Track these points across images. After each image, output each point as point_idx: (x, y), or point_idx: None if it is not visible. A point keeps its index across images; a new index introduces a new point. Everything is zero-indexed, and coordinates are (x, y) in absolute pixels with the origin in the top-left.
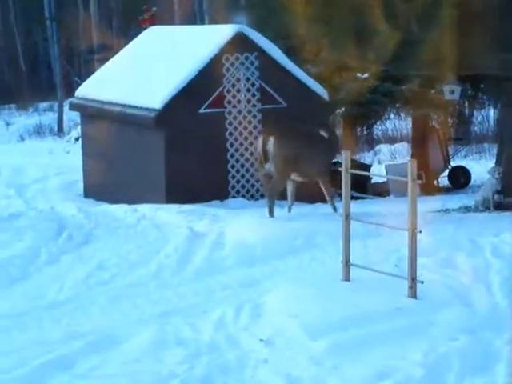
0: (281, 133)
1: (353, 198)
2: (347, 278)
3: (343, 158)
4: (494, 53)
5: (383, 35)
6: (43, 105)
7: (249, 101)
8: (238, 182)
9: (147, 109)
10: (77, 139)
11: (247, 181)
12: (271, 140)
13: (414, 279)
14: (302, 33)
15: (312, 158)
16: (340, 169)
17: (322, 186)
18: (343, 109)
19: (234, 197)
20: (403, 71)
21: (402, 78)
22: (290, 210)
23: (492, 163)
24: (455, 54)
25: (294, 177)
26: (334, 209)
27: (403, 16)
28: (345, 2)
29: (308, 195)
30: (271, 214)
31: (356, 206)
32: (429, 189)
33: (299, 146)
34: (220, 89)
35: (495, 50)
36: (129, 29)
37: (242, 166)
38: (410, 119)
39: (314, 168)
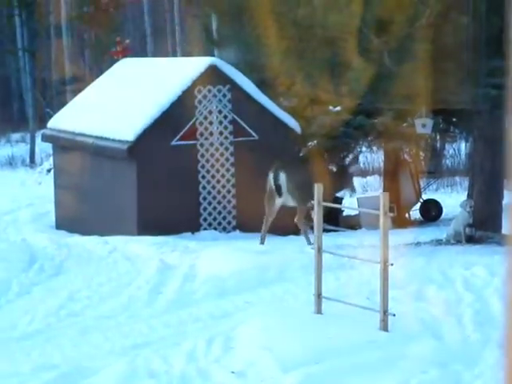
0: (289, 165)
1: (325, 230)
2: (319, 310)
3: (315, 191)
4: (465, 87)
5: (356, 69)
6: (15, 136)
7: (221, 133)
8: (209, 214)
9: (120, 141)
10: (49, 170)
11: (219, 213)
12: (282, 174)
13: (385, 312)
14: (275, 66)
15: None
16: (312, 202)
17: None
18: (315, 142)
19: (205, 229)
20: (376, 105)
21: (375, 111)
22: (263, 242)
23: (463, 196)
24: (428, 88)
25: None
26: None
27: (376, 50)
28: (318, 35)
29: (280, 227)
30: (309, 242)
31: (328, 239)
32: (400, 222)
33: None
34: (192, 121)
35: (467, 84)
36: (101, 60)
37: (214, 198)
38: (381, 152)
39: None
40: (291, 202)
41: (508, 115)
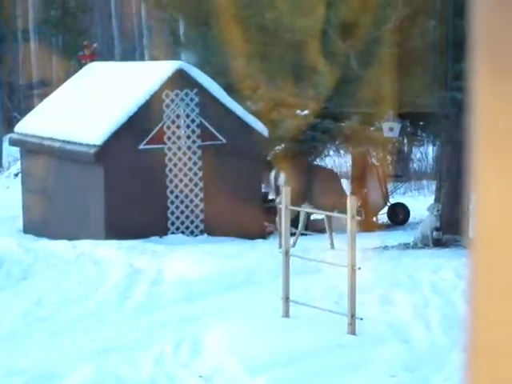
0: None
1: (293, 234)
2: (287, 314)
3: (282, 194)
4: (432, 91)
5: (322, 72)
6: None
7: (188, 137)
8: (177, 218)
9: (87, 145)
10: (16, 174)
11: (187, 217)
12: (282, 175)
13: (353, 316)
14: (242, 70)
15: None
16: (280, 206)
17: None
18: (283, 145)
19: (173, 233)
20: (343, 108)
21: (342, 115)
22: (294, 245)
23: (431, 200)
24: (395, 91)
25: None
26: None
27: (343, 53)
28: (284, 39)
29: (248, 231)
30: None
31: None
32: (368, 225)
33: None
34: (160, 125)
35: (434, 88)
36: (69, 64)
37: (182, 202)
38: (349, 156)
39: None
40: None
41: (469, 118)
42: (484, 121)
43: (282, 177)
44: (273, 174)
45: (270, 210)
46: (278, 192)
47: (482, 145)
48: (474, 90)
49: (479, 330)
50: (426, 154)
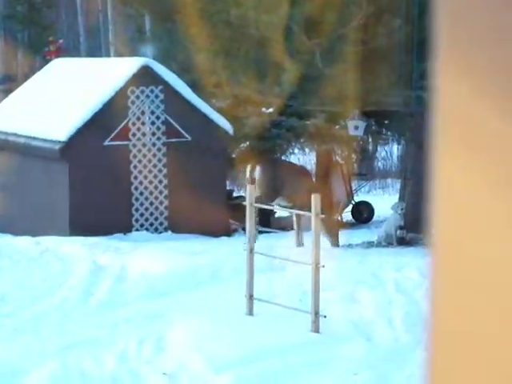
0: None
1: (260, 232)
2: (251, 312)
3: (247, 191)
4: (398, 90)
5: (288, 70)
6: None
7: (153, 134)
8: (141, 215)
9: (52, 141)
10: None
11: (151, 214)
12: (258, 170)
13: (317, 313)
14: (207, 66)
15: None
16: (244, 203)
17: None
18: (247, 143)
19: (137, 230)
20: (308, 106)
21: (307, 113)
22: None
23: (395, 199)
24: (360, 89)
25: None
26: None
27: (308, 51)
28: (250, 36)
29: (213, 229)
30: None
31: (260, 240)
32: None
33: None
34: (125, 122)
35: (399, 87)
36: (34, 60)
37: (146, 199)
38: (314, 154)
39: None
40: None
41: (431, 116)
42: (446, 112)
43: (258, 172)
44: (248, 169)
45: (235, 208)
46: (253, 184)
47: (444, 137)
48: (437, 80)
49: (439, 328)
50: (390, 152)
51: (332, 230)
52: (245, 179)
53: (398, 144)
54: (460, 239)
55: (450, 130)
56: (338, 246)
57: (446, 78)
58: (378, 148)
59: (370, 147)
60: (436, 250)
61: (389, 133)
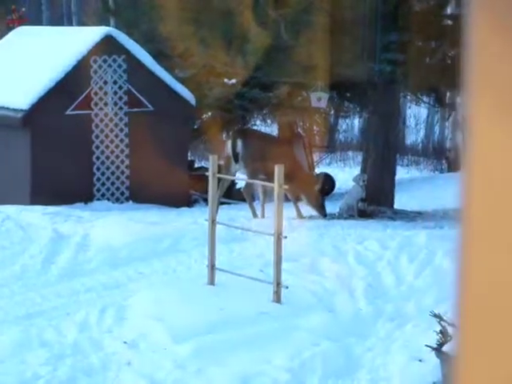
0: (246, 134)
1: (222, 203)
2: (212, 282)
3: (210, 162)
4: (361, 62)
5: (252, 41)
6: None
7: (116, 104)
8: (103, 184)
9: (14, 109)
10: None
11: (112, 183)
12: (239, 141)
13: (278, 284)
14: (171, 37)
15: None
16: (207, 173)
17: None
18: (210, 114)
19: (98, 199)
20: (272, 78)
21: (270, 84)
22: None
23: (356, 171)
24: (323, 61)
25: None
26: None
27: (273, 22)
28: (214, 6)
29: (171, 199)
30: (255, 215)
31: (221, 211)
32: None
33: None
34: (87, 91)
35: (363, 59)
36: None
37: (108, 168)
38: (276, 126)
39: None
40: (243, 170)
41: (463, 79)
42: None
43: (240, 144)
44: (230, 141)
45: (196, 178)
46: (236, 159)
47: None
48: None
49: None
50: (351, 125)
51: (316, 201)
52: (225, 153)
53: (360, 117)
54: (495, 208)
55: (485, 92)
56: (325, 216)
57: (480, 37)
58: (340, 120)
59: (332, 119)
60: (469, 222)
61: (351, 105)
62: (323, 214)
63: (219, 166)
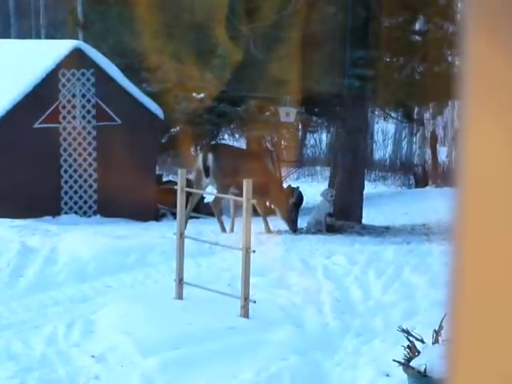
0: (217, 148)
1: (192, 217)
2: (180, 296)
3: (178, 176)
4: (330, 77)
5: (221, 56)
6: None
7: (84, 117)
8: (70, 198)
9: None
10: None
11: (80, 197)
12: (210, 156)
13: (246, 298)
14: (140, 51)
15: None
16: (175, 187)
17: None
18: (178, 128)
19: (66, 213)
20: (240, 92)
21: (239, 98)
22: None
23: (324, 186)
24: (292, 76)
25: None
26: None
27: (242, 37)
28: (184, 20)
29: (139, 213)
30: (223, 229)
31: (189, 225)
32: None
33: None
34: (55, 104)
35: (332, 74)
36: None
37: (76, 182)
38: (244, 140)
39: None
40: (214, 184)
41: (459, 81)
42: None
43: (211, 158)
44: (200, 156)
45: (164, 192)
46: (207, 173)
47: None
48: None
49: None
50: (319, 140)
51: (289, 215)
52: (195, 168)
53: (327, 132)
54: (490, 204)
55: (479, 93)
56: (295, 231)
57: (475, 40)
58: (308, 135)
59: (300, 134)
60: (462, 226)
61: (319, 120)
62: (294, 228)
63: (188, 180)
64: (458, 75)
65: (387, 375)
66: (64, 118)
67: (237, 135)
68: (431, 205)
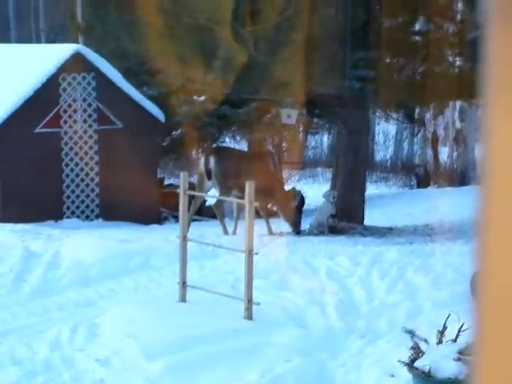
0: (219, 151)
1: (194, 220)
2: (184, 299)
3: (181, 179)
4: (331, 79)
5: (223, 58)
6: None
7: (85, 121)
8: (72, 202)
9: None
10: None
11: (82, 201)
12: (212, 159)
13: (250, 301)
14: (140, 54)
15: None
16: (177, 190)
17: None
18: (179, 131)
19: (68, 217)
20: (241, 94)
21: (240, 101)
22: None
23: (325, 187)
24: (293, 78)
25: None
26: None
27: (243, 40)
28: (184, 23)
29: (141, 216)
30: (226, 232)
31: (192, 228)
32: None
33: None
34: (56, 109)
35: (333, 76)
36: None
37: (78, 186)
38: (245, 142)
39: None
40: (216, 187)
41: (482, 79)
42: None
43: (213, 161)
44: (202, 159)
45: (166, 195)
46: (209, 176)
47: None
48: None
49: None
50: (320, 141)
51: (292, 217)
52: (198, 171)
53: (329, 133)
54: None
55: (505, 95)
56: (298, 233)
57: (499, 43)
58: (309, 137)
59: (301, 136)
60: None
61: (320, 122)
62: (297, 230)
63: (190, 183)
64: (480, 77)
65: (392, 376)
66: (65, 122)
67: (238, 137)
68: (433, 205)
